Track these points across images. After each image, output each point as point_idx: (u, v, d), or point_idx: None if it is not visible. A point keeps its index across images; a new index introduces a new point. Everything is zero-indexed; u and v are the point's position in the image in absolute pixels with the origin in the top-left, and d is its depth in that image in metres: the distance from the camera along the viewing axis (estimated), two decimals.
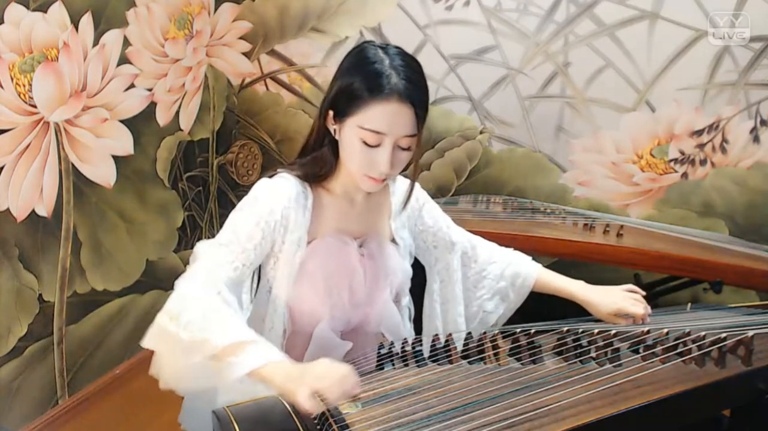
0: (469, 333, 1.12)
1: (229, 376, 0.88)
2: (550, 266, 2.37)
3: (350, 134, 1.04)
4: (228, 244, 1.05)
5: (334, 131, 1.08)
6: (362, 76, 1.01)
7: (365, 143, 1.02)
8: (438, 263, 1.32)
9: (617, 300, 1.23)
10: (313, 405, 0.81)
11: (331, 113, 1.07)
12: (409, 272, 1.26)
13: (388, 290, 1.19)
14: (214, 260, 1.03)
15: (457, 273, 1.31)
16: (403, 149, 1.04)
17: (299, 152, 1.16)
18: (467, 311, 1.33)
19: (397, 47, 1.07)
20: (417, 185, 1.26)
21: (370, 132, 1.01)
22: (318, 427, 0.88)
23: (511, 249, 1.38)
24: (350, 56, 1.07)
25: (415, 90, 1.01)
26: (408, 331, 1.30)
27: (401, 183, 1.26)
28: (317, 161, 1.12)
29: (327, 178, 1.14)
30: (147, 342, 0.97)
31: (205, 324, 0.92)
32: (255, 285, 1.21)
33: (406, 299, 1.30)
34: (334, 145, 1.11)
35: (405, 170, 1.12)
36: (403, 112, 1.00)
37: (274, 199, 1.08)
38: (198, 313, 0.93)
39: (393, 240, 1.24)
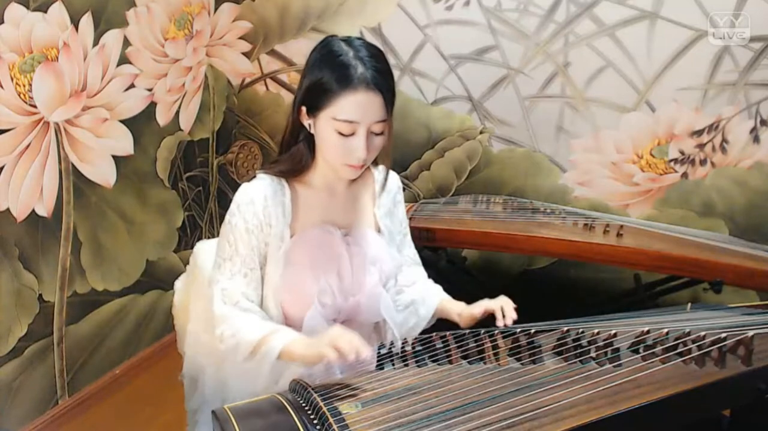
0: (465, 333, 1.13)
1: (265, 364, 1.07)
2: (550, 266, 2.38)
3: (325, 126, 1.08)
4: (230, 257, 1.14)
5: (309, 125, 1.12)
6: (330, 70, 1.06)
7: (340, 134, 1.07)
8: None
9: (482, 302, 1.21)
10: (335, 354, 0.97)
11: (303, 108, 1.12)
12: (398, 258, 1.29)
13: (377, 277, 1.21)
14: (225, 275, 1.14)
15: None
16: (377, 134, 1.09)
17: (278, 150, 1.21)
18: None
19: (360, 39, 1.11)
20: (397, 178, 1.32)
21: (344, 122, 1.06)
22: (318, 427, 0.88)
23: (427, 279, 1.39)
24: (316, 52, 1.11)
25: (381, 78, 1.06)
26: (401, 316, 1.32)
27: (383, 172, 1.30)
28: (294, 157, 1.17)
29: (305, 172, 1.18)
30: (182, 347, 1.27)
31: (233, 331, 1.10)
32: None
33: (393, 283, 1.32)
34: (309, 139, 1.15)
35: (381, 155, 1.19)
36: (372, 100, 1.05)
37: (253, 201, 1.13)
38: (226, 325, 1.11)
39: (378, 230, 1.27)
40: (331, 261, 1.17)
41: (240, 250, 1.13)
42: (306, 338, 1.06)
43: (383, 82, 1.06)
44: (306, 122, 1.12)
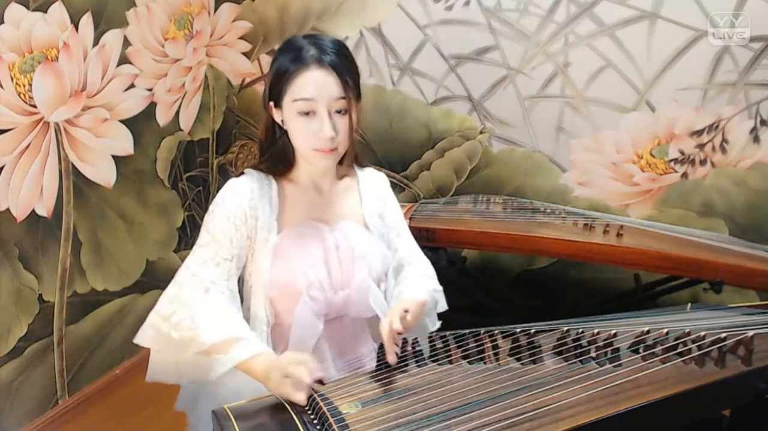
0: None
1: (217, 371, 1.01)
2: (550, 266, 2.38)
3: (289, 112, 1.10)
4: (206, 244, 1.13)
5: (281, 121, 1.15)
6: (286, 57, 1.10)
7: (303, 114, 1.09)
8: None
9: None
10: (290, 390, 0.92)
11: (271, 104, 1.14)
12: (389, 256, 1.26)
13: (366, 272, 1.19)
14: (197, 261, 1.12)
15: (390, 280, 1.27)
16: (341, 114, 1.10)
17: (260, 153, 1.23)
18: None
19: (319, 35, 1.15)
20: (383, 177, 1.32)
21: (302, 101, 1.08)
22: (318, 427, 0.88)
23: (423, 274, 1.27)
24: (277, 49, 1.15)
25: (335, 57, 1.09)
26: None
27: (369, 174, 1.30)
28: (275, 155, 1.19)
29: (289, 170, 1.20)
30: (139, 339, 1.12)
31: (193, 323, 1.03)
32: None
33: (385, 284, 1.29)
34: (287, 137, 1.17)
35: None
36: (325, 77, 1.08)
37: (239, 194, 1.14)
38: (187, 314, 1.05)
39: (367, 228, 1.25)
40: (318, 254, 1.16)
41: (217, 238, 1.11)
42: (268, 357, 1.00)
43: (337, 61, 1.08)
44: (278, 118, 1.15)
